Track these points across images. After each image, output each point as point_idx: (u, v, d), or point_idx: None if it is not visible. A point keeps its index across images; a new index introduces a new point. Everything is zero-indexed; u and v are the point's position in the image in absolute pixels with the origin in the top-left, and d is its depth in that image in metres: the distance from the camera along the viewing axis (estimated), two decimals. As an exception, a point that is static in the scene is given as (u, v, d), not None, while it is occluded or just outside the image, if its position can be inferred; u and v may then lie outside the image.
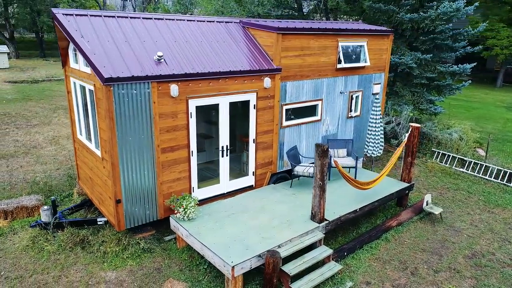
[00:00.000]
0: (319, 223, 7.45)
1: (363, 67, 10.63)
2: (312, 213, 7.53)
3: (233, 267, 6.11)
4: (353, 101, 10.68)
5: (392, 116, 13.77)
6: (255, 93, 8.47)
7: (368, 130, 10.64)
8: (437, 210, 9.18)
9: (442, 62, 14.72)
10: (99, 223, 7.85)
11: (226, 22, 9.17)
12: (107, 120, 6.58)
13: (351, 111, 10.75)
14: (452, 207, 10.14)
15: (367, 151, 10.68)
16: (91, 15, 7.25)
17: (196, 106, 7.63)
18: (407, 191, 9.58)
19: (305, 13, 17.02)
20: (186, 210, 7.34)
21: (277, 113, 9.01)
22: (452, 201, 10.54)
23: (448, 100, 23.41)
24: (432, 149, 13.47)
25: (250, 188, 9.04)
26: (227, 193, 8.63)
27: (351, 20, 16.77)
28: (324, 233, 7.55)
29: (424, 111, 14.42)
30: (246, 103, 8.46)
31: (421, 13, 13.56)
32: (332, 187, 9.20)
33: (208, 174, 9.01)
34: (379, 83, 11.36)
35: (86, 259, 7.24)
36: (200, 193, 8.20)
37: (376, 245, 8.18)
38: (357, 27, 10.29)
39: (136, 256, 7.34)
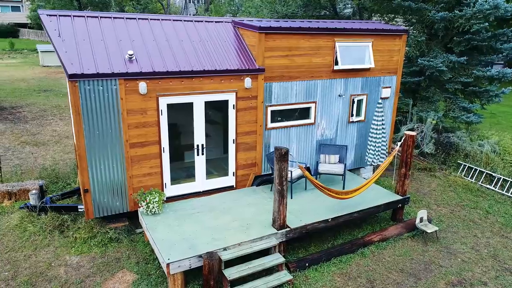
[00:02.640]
0: (278, 230, 7.16)
1: (367, 69, 9.97)
2: (273, 218, 7.27)
3: (168, 264, 6.14)
4: (355, 105, 10.05)
5: (415, 123, 12.69)
6: (235, 93, 8.39)
7: (369, 137, 9.97)
8: (430, 228, 8.30)
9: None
10: (79, 210, 8.37)
11: (216, 22, 9.21)
12: (74, 113, 7.01)
13: (352, 115, 10.14)
14: (458, 227, 9.09)
15: (367, 159, 10.01)
16: (74, 16, 7.77)
17: (167, 104, 7.78)
18: (399, 205, 8.78)
19: (338, 13, 16.35)
20: (148, 204, 7.53)
21: (261, 114, 8.83)
22: (462, 220, 9.44)
23: (505, 108, 20.97)
24: (458, 161, 12.16)
25: (230, 188, 8.98)
26: (203, 191, 8.67)
27: (385, 20, 15.73)
28: (284, 240, 7.25)
29: (455, 119, 13.07)
30: (225, 103, 8.42)
31: (456, 11, 12.31)
32: (314, 194, 8.76)
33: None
34: (389, 87, 10.56)
35: (59, 243, 7.78)
36: (174, 189, 8.35)
37: (348, 259, 7.64)
38: (359, 26, 9.68)
39: (102, 245, 7.71)
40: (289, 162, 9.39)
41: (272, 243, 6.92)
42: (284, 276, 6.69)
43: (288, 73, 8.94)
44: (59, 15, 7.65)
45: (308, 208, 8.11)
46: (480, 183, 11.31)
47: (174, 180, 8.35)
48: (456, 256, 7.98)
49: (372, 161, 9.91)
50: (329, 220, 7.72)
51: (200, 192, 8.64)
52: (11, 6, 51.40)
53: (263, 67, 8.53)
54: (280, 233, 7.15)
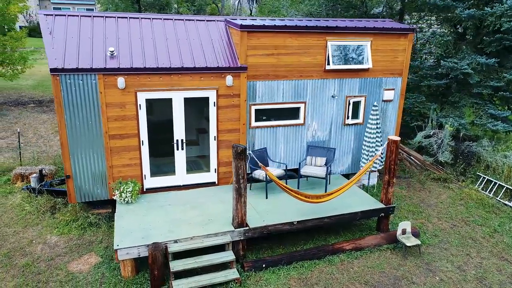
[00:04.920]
0: (235, 228, 7.14)
1: (366, 70, 9.48)
2: (232, 216, 7.27)
3: (116, 250, 6.45)
4: (350, 107, 9.61)
5: (434, 128, 11.77)
6: (215, 91, 8.50)
7: (364, 141, 9.50)
8: (412, 242, 7.70)
9: None
10: (71, 195, 9.04)
11: (207, 20, 9.37)
12: (56, 104, 7.62)
13: (348, 118, 9.70)
14: (451, 243, 8.31)
15: (361, 164, 9.54)
16: (69, 15, 8.41)
17: (146, 99, 8.12)
18: (382, 214, 8.25)
19: (366, 13, 15.64)
20: (121, 193, 7.94)
21: (244, 113, 8.82)
22: (460, 236, 8.61)
23: None
24: (478, 173, 11.05)
25: (212, 184, 9.10)
26: (183, 185, 8.89)
27: (415, 19, 14.74)
28: (242, 239, 7.20)
29: (481, 127, 11.89)
30: (206, 100, 8.55)
31: (487, 8, 11.21)
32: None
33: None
34: (393, 89, 9.93)
35: (47, 223, 8.49)
36: (154, 181, 8.68)
37: (311, 265, 7.38)
38: (355, 25, 9.24)
39: (82, 228, 8.26)
40: (270, 161, 9.28)
41: (225, 240, 6.93)
42: (232, 274, 6.66)
43: (274, 72, 8.83)
44: (55, 15, 8.34)
45: (279, 210, 7.96)
46: (498, 198, 10.19)
47: (156, 172, 8.67)
48: (436, 274, 7.32)
49: (366, 166, 9.41)
50: (295, 223, 7.51)
51: (180, 186, 8.88)
52: (86, 9, 56.32)
53: (245, 65, 8.52)
54: (237, 231, 7.12)
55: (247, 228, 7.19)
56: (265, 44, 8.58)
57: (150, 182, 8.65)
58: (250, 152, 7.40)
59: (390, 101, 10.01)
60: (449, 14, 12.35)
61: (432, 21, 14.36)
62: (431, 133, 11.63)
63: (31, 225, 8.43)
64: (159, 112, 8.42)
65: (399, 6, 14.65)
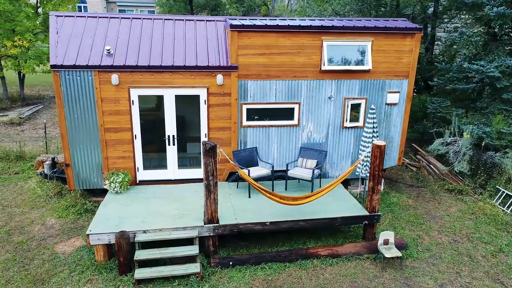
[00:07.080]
0: (205, 224, 7.26)
1: (367, 71, 9.09)
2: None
3: (88, 235, 6.89)
4: (349, 109, 9.26)
5: (449, 136, 10.91)
6: (206, 89, 8.68)
7: (361, 145, 9.13)
8: (391, 253, 7.27)
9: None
10: (77, 182, 9.77)
11: (207, 21, 9.58)
12: (56, 98, 8.30)
13: (346, 120, 9.37)
14: (443, 259, 7.70)
15: (356, 170, 9.17)
16: (77, 16, 9.09)
17: (138, 95, 8.53)
18: (365, 222, 7.86)
19: (398, 12, 14.86)
20: (111, 183, 8.43)
21: (235, 112, 8.91)
22: (457, 253, 7.95)
23: None
24: (497, 186, 10.05)
25: (202, 180, 9.30)
26: (175, 180, 9.20)
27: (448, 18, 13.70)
28: (212, 235, 7.30)
29: (507, 136, 10.78)
30: (197, 98, 8.78)
31: (520, 5, 10.21)
32: (276, 196, 8.48)
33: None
34: (398, 92, 9.40)
35: (51, 206, 9.26)
36: (146, 174, 9.09)
37: (281, 267, 7.27)
38: (353, 24, 8.89)
39: (78, 214, 8.90)
40: (259, 161, 9.24)
41: (191, 235, 7.08)
42: (193, 268, 6.79)
43: (266, 71, 8.81)
44: (65, 16, 9.06)
45: (258, 209, 7.94)
46: (516, 215, 9.22)
47: (148, 166, 9.07)
48: (412, 289, 6.85)
49: (361, 171, 9.04)
50: (267, 223, 7.45)
51: (172, 180, 9.19)
52: (148, 11, 59.66)
53: (236, 64, 8.60)
54: (206, 227, 7.24)
55: (217, 224, 7.28)
56: (257, 44, 8.59)
57: (143, 174, 9.07)
58: (221, 150, 7.47)
59: (394, 104, 9.49)
60: (479, 13, 11.39)
61: (465, 21, 13.31)
62: (449, 140, 10.79)
63: (38, 207, 9.24)
64: (152, 108, 8.80)
65: (432, 6, 13.78)
